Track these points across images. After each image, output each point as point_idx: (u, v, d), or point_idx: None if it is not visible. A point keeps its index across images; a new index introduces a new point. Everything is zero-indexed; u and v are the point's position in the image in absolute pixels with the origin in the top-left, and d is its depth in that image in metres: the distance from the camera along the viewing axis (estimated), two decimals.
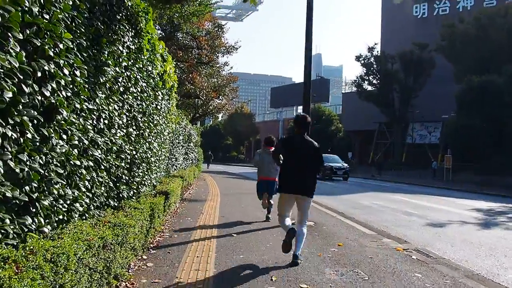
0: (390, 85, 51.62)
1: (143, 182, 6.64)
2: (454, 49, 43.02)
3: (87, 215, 4.14)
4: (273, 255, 6.01)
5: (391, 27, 62.66)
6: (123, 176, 5.26)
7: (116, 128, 4.70)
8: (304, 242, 6.04)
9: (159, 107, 7.25)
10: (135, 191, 6.08)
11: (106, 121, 4.26)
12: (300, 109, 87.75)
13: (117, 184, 5.15)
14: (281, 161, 6.19)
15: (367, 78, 55.50)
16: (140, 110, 5.81)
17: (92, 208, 4.27)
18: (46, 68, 2.67)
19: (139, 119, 5.75)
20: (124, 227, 4.11)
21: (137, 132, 5.78)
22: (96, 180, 4.19)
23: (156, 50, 6.58)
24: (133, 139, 5.48)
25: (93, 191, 4.18)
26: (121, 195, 5.30)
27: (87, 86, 3.55)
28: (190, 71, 26.34)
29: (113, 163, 4.72)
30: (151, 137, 6.77)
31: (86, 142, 3.69)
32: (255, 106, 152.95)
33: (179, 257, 5.65)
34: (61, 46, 2.88)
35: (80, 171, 3.63)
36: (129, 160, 5.42)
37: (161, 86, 7.22)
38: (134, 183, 5.96)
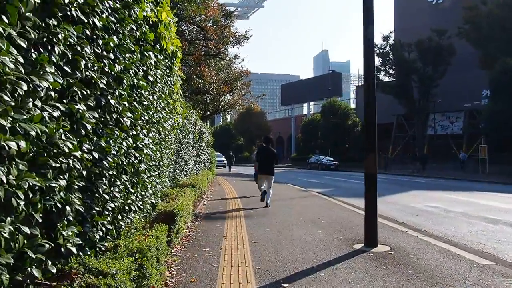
0: (408, 75, 48.51)
1: (127, 208, 3.80)
2: (480, 32, 39.78)
3: None
4: None
5: (405, 16, 59.32)
6: (68, 207, 2.40)
7: (26, 98, 1.84)
8: None
9: (151, 78, 4.40)
10: (108, 227, 3.24)
11: None
12: (312, 104, 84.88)
13: (55, 227, 2.31)
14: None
15: (383, 68, 52.43)
16: (107, 70, 2.95)
17: None
18: None
19: (105, 87, 2.89)
20: None
21: (102, 116, 2.94)
22: None
23: None
24: (89, 128, 2.62)
25: None
26: (64, 249, 2.45)
27: None
28: (198, 64, 23.51)
29: (24, 183, 1.87)
30: (138, 128, 3.93)
31: None
32: (264, 105, 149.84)
33: None
34: None
35: None
36: (83, 172, 2.58)
37: (152, 42, 4.37)
38: (106, 214, 3.13)
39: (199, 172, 15.89)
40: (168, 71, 5.69)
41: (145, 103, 4.14)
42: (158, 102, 4.94)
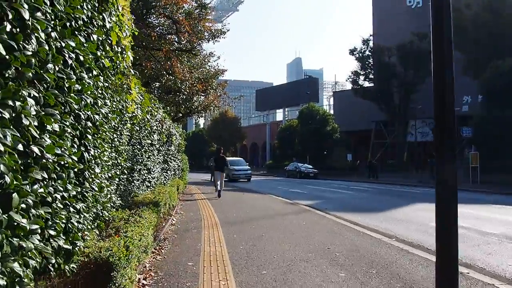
0: (388, 80, 46.76)
1: None
2: (465, 36, 38.27)
3: None
4: None
5: (384, 20, 57.37)
6: None
7: None
8: None
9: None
10: None
11: None
12: (287, 110, 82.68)
13: None
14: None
15: (363, 72, 50.66)
16: None
17: None
18: None
19: None
20: None
21: None
22: None
23: None
24: None
25: None
26: None
27: None
28: (168, 58, 20.71)
29: None
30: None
31: None
32: (238, 111, 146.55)
33: None
34: None
35: None
36: None
37: None
38: None
39: (167, 181, 13.13)
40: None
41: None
42: (66, 43, 2.30)
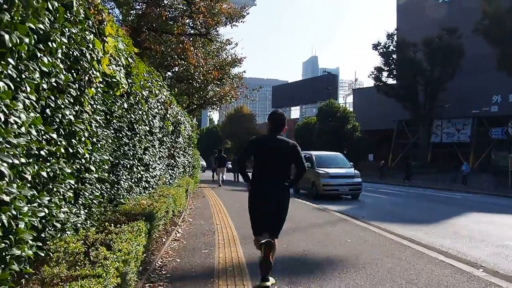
0: (413, 77, 43.86)
1: None
2: (502, 28, 35.15)
3: None
4: None
5: (408, 14, 54.19)
6: None
7: None
8: None
9: None
10: None
11: None
12: (304, 107, 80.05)
13: None
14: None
15: (387, 68, 47.73)
16: None
17: None
18: None
19: None
20: None
21: None
22: None
23: None
24: None
25: None
26: None
27: None
28: (181, 41, 18.41)
29: None
30: None
31: None
32: (254, 109, 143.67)
33: None
34: None
35: None
36: None
37: None
38: None
39: (174, 180, 10.81)
40: None
41: None
42: None
